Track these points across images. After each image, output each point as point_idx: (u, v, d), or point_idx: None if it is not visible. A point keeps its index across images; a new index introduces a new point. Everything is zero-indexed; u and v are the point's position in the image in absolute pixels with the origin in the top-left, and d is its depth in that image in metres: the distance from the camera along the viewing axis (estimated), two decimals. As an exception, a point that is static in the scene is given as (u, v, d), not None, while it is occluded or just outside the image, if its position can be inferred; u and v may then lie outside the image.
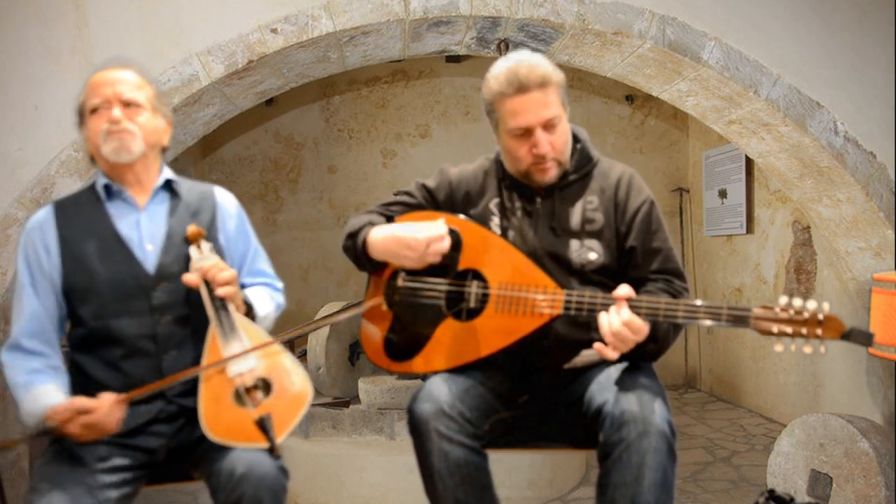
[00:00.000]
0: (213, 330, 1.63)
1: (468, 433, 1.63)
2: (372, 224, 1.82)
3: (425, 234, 1.71)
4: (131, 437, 1.61)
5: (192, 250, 1.68)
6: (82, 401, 1.52)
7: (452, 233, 1.79)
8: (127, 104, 1.67)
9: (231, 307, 1.66)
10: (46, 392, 1.57)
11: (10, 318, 2.72)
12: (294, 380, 1.63)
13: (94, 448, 1.56)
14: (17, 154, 2.77)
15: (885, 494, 2.72)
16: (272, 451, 1.51)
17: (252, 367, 1.60)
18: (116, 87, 1.67)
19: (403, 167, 6.02)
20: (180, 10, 2.85)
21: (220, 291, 1.64)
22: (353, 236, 1.83)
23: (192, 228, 1.70)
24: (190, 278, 1.63)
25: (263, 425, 1.52)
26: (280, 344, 1.67)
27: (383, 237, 1.77)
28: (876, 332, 2.60)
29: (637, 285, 1.68)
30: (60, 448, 1.56)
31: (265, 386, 1.60)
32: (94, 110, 1.67)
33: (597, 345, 1.58)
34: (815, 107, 3.02)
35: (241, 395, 1.57)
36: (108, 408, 1.53)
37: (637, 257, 1.76)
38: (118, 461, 1.57)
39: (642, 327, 1.55)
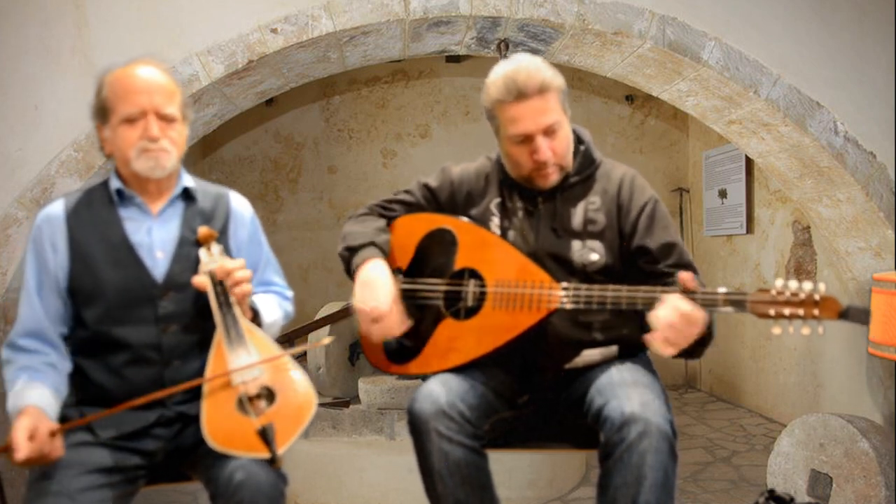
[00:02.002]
0: (219, 335, 1.60)
1: (468, 433, 1.63)
2: (374, 246, 1.78)
3: (380, 307, 1.69)
4: (130, 440, 1.60)
5: (202, 252, 1.64)
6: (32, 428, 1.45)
7: (447, 233, 1.79)
8: (163, 117, 1.61)
9: (238, 312, 1.62)
10: (27, 389, 1.53)
11: (10, 317, 2.74)
12: (298, 390, 1.59)
13: (91, 449, 1.55)
14: (17, 154, 2.77)
15: (885, 494, 2.72)
16: (273, 462, 1.48)
17: (256, 376, 1.57)
18: (154, 97, 1.60)
19: (403, 167, 6.02)
20: (180, 10, 2.84)
21: (235, 291, 1.59)
22: (351, 251, 1.80)
23: (203, 230, 1.66)
24: (199, 280, 1.60)
25: (265, 435, 1.49)
26: (287, 354, 1.64)
27: (366, 274, 1.74)
28: (876, 332, 2.60)
29: (654, 280, 1.69)
30: None
31: (269, 395, 1.56)
32: (127, 118, 1.60)
33: (651, 340, 1.51)
34: (815, 107, 3.02)
35: (244, 404, 1.54)
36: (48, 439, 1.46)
37: (653, 254, 1.74)
38: (115, 462, 1.56)
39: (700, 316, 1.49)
